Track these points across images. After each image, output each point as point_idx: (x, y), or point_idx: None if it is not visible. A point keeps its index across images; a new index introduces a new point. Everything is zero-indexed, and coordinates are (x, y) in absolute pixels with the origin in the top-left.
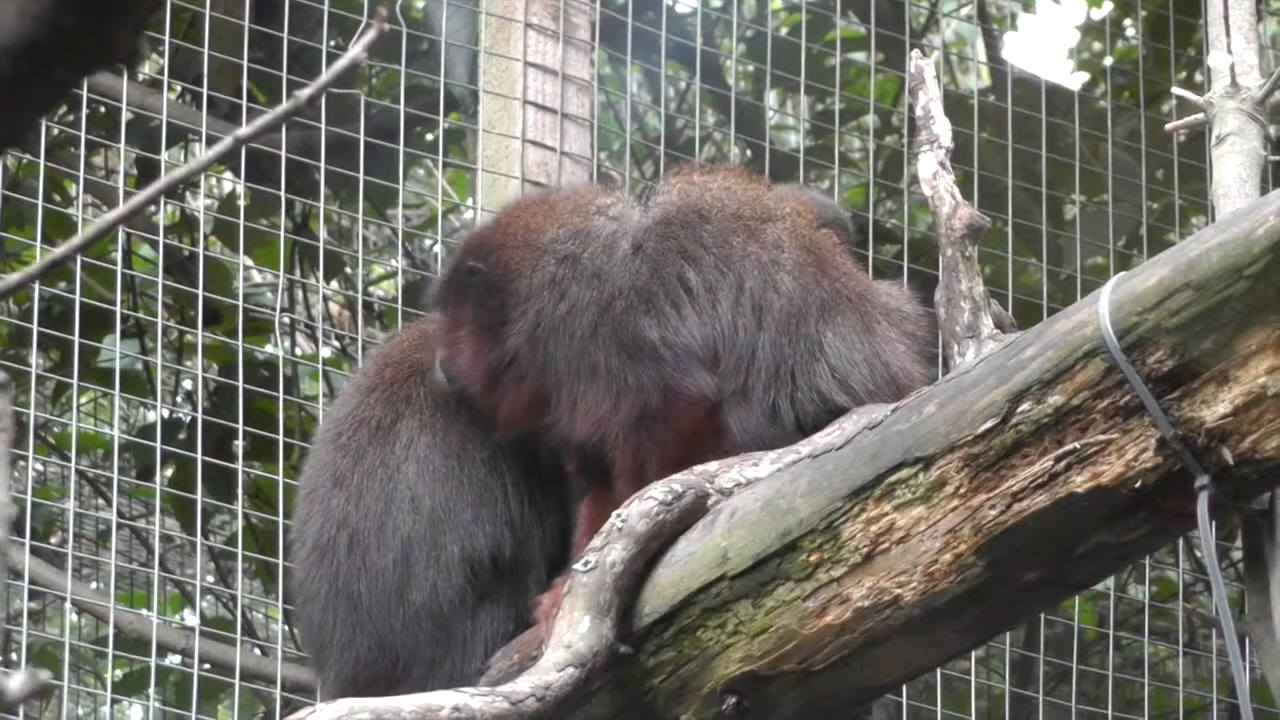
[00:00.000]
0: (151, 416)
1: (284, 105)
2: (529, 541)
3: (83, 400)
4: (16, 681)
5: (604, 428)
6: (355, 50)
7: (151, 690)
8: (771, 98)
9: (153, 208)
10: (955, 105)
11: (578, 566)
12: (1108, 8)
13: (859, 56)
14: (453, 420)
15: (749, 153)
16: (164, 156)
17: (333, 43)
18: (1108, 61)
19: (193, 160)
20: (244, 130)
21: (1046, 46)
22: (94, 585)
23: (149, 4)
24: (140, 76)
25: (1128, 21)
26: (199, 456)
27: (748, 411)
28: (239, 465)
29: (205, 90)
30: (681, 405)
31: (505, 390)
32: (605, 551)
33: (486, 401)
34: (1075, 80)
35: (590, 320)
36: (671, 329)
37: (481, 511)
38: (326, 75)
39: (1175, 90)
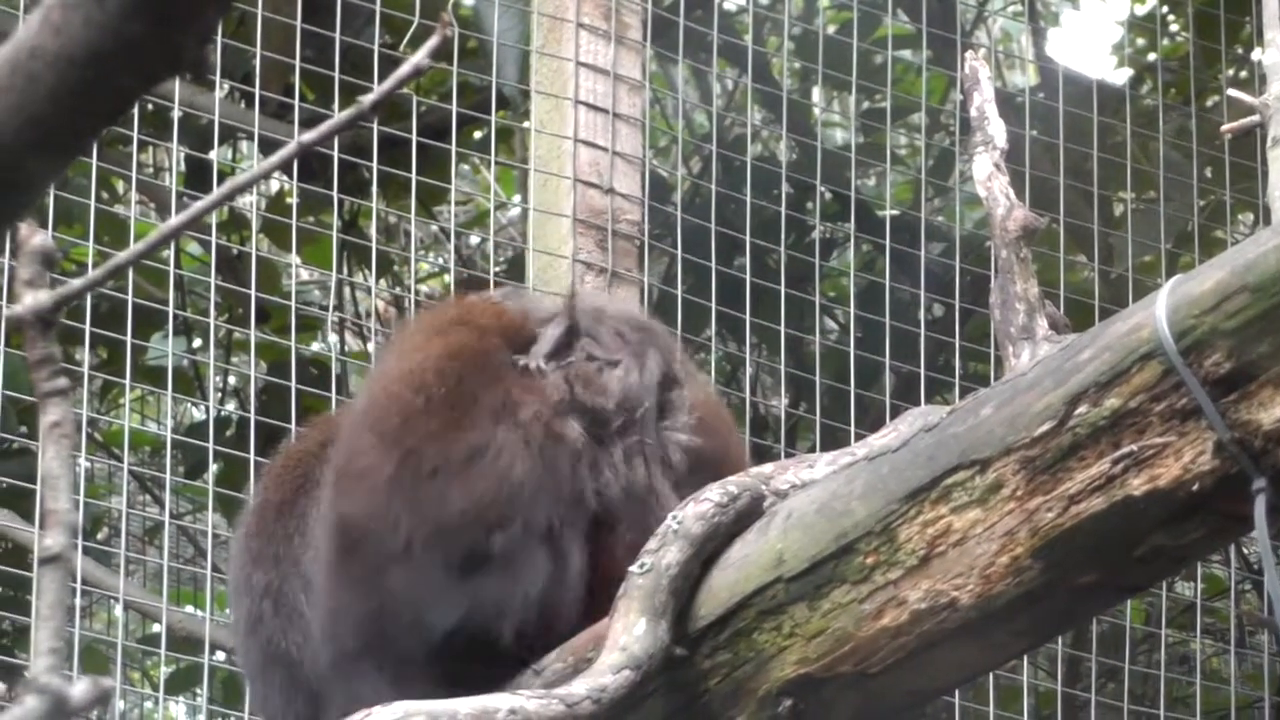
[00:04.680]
0: (196, 414)
1: (348, 111)
2: None
3: (130, 398)
4: (79, 689)
5: None
6: (418, 56)
7: (205, 688)
8: (819, 95)
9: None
10: (1003, 103)
11: (634, 569)
12: (1151, 3)
13: (907, 54)
14: None
15: (796, 152)
16: (215, 155)
17: (383, 41)
18: (1152, 57)
19: (254, 165)
20: (307, 135)
21: (1089, 42)
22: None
23: (215, 12)
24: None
25: (1172, 17)
26: (251, 456)
27: None
28: None
29: (257, 89)
30: None
31: None
32: (661, 554)
33: None
34: (1119, 76)
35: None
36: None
37: None
38: (390, 81)
39: (1230, 92)
